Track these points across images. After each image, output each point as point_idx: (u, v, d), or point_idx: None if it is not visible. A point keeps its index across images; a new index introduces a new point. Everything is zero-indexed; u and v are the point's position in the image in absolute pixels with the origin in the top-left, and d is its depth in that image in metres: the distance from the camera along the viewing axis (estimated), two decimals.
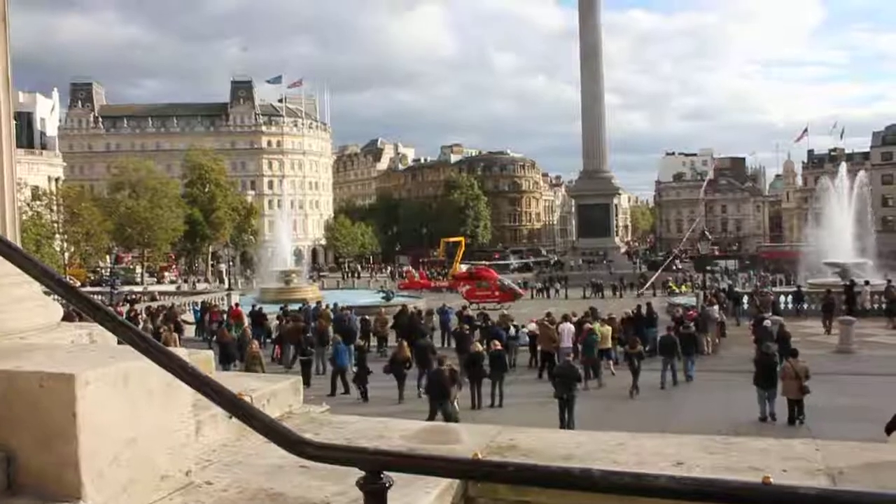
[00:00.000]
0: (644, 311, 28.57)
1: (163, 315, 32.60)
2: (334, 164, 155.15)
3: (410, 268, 67.20)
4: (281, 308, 32.53)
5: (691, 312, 28.38)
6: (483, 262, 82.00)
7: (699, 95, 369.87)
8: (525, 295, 48.85)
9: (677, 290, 57.13)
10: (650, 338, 26.46)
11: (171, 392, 3.19)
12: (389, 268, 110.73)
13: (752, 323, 28.89)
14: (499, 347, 21.77)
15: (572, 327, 24.20)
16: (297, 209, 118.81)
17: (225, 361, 23.20)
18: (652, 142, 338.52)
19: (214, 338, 27.03)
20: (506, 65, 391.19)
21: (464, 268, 59.58)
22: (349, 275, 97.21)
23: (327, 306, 31.61)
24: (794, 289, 41.38)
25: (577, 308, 31.48)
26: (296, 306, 33.32)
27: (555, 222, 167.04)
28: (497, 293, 38.22)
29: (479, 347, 21.28)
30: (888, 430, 12.77)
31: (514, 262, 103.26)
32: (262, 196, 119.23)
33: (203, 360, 4.82)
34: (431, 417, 15.98)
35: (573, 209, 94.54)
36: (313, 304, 33.43)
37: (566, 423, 17.14)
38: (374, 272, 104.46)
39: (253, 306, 34.64)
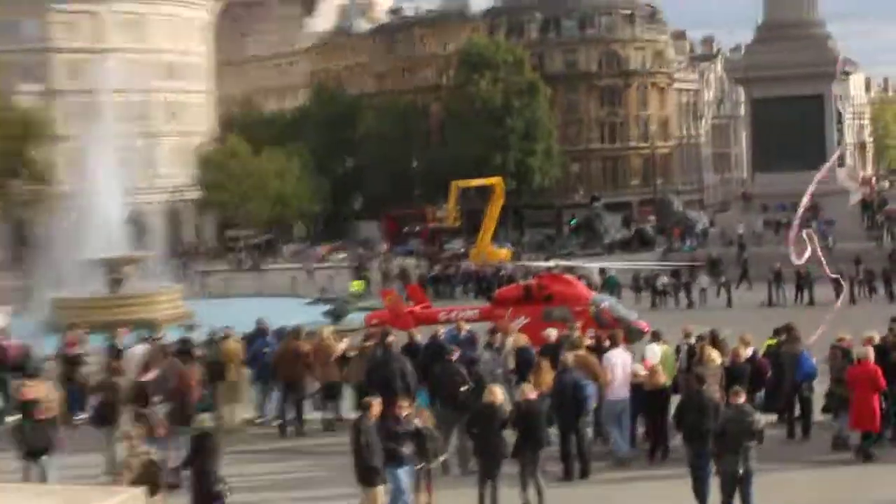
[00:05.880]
0: None
1: None
2: (216, 22, 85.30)
3: (395, 287, 36.36)
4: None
5: None
6: (552, 259, 39.37)
7: None
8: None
9: None
10: None
11: None
12: (342, 248, 65.64)
13: None
14: (532, 396, 12.19)
15: (627, 358, 14.39)
16: (135, 124, 59.47)
17: None
18: None
19: None
20: None
21: (501, 250, 38.25)
22: (250, 263, 59.35)
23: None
24: None
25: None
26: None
27: (701, 138, 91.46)
28: (592, 328, 21.69)
29: (498, 395, 11.91)
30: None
31: (612, 230, 63.34)
32: (54, 95, 67.30)
33: None
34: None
35: (743, 109, 56.39)
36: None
37: None
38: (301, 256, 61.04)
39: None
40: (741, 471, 10.43)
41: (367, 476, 10.40)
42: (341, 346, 16.16)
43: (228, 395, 15.97)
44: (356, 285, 40.26)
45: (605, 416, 13.87)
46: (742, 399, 10.76)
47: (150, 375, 13.89)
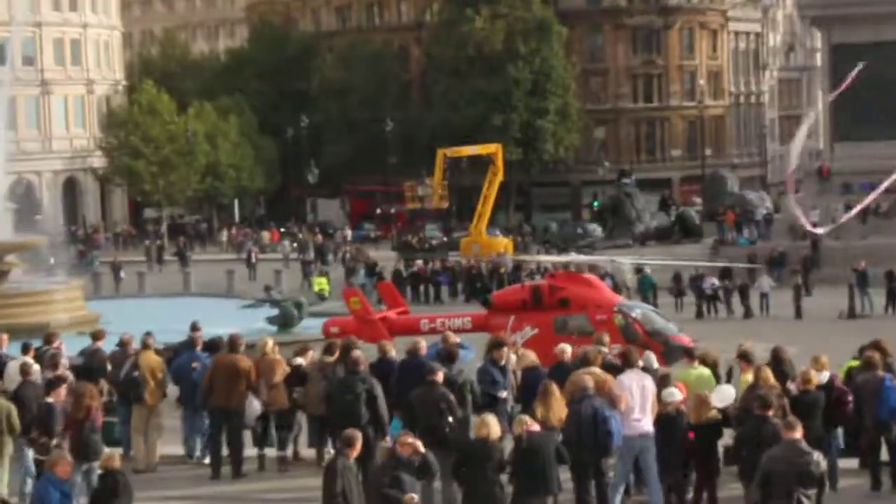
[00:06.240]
0: None
1: None
2: None
3: (360, 284, 34.43)
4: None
5: None
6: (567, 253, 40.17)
7: None
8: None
9: None
10: None
11: None
12: (291, 233, 56.15)
13: None
14: (535, 428, 10.66)
15: (647, 382, 12.44)
16: (20, 69, 55.98)
17: None
18: None
19: None
20: None
21: (501, 240, 35.98)
22: (173, 252, 50.48)
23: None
24: None
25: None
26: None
27: (764, 95, 79.53)
28: (618, 343, 19.21)
29: (494, 427, 10.44)
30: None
31: (646, 215, 54.44)
32: None
33: None
34: None
35: (820, 59, 50.98)
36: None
37: None
38: (232, 241, 54.86)
39: None
40: None
41: None
42: (298, 361, 14.14)
43: (145, 424, 14.17)
44: (320, 283, 36.56)
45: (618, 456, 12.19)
46: (798, 434, 9.11)
47: (56, 396, 12.24)
